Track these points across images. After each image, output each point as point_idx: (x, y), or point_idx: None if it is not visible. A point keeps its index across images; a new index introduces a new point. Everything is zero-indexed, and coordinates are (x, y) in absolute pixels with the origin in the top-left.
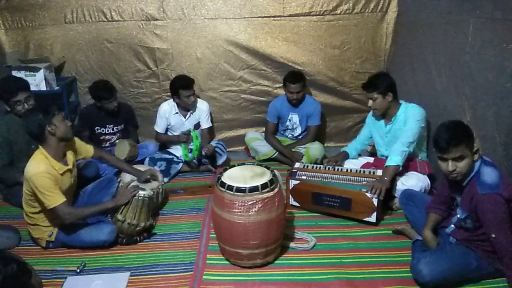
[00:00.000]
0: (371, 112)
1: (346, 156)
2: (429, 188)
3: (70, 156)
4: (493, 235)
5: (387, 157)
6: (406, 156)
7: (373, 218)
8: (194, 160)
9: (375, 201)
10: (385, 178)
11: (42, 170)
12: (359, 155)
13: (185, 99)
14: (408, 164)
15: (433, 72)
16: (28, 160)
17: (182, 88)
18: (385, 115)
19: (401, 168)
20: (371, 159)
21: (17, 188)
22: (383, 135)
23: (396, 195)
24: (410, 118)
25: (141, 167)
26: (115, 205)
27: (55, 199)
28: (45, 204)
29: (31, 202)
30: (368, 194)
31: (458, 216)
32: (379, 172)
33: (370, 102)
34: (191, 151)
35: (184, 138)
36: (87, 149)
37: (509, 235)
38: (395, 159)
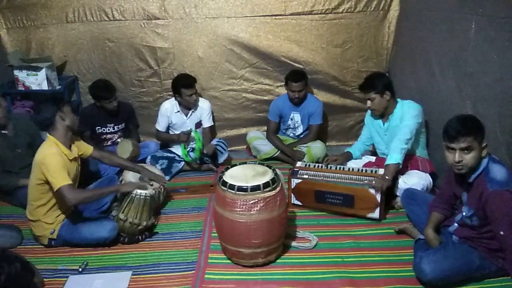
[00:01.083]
0: (368, 112)
1: (349, 156)
2: (432, 186)
3: (75, 148)
4: (502, 233)
5: (387, 155)
6: (405, 153)
7: (376, 214)
8: (197, 160)
9: (378, 197)
10: (387, 177)
11: (54, 151)
12: (362, 154)
13: (187, 98)
14: (409, 163)
15: (435, 71)
16: (24, 168)
17: (184, 87)
18: (383, 114)
19: (401, 166)
20: (372, 158)
21: (17, 189)
22: (382, 134)
23: (398, 194)
24: (406, 114)
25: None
26: (118, 190)
27: (63, 179)
28: (53, 184)
29: (40, 193)
30: (371, 190)
31: (464, 213)
32: (381, 171)
33: (369, 103)
34: (192, 150)
35: (184, 138)
36: (87, 148)
37: None
38: (395, 157)
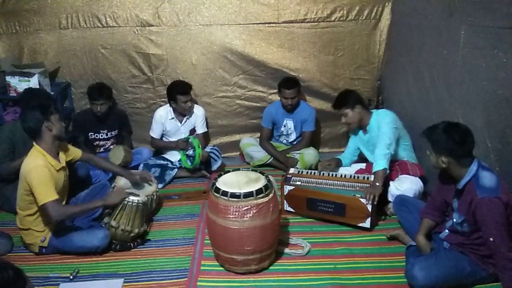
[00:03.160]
0: None
1: (339, 163)
2: (423, 190)
3: (62, 155)
4: (491, 239)
5: None
6: (390, 158)
7: (367, 224)
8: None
9: (369, 207)
10: (377, 184)
11: (40, 164)
12: (351, 163)
13: (182, 104)
14: (399, 167)
15: (425, 78)
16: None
17: (179, 93)
18: (361, 127)
19: (388, 171)
20: (363, 165)
21: (10, 192)
22: (366, 145)
23: (390, 199)
24: (381, 122)
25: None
26: (104, 204)
27: (48, 194)
28: (37, 199)
29: (27, 203)
30: (363, 200)
31: (454, 220)
32: (373, 178)
33: (343, 119)
34: (192, 157)
35: (184, 145)
36: (75, 151)
37: (507, 239)
38: (380, 163)
